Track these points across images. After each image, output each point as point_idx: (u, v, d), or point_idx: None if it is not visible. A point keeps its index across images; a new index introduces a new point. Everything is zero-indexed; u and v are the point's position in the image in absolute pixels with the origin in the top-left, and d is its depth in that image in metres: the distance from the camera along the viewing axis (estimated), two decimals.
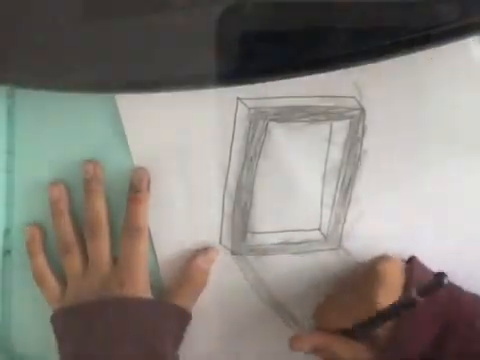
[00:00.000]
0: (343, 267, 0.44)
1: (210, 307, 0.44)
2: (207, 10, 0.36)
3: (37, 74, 0.38)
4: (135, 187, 0.42)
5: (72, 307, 0.41)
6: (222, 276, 0.44)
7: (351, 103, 0.42)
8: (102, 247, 0.42)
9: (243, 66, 0.38)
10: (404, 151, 0.43)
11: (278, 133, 0.43)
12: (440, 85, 0.42)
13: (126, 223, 0.42)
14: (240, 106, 0.42)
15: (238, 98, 0.42)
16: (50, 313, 0.43)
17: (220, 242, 0.44)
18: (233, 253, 0.44)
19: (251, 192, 0.43)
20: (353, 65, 0.39)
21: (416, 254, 0.43)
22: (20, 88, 0.43)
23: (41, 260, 0.43)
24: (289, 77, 0.40)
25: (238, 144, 0.43)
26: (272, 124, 0.43)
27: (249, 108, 0.42)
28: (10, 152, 0.44)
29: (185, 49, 0.37)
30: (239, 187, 0.43)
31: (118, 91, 0.41)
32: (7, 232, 0.45)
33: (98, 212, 0.42)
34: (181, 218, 0.43)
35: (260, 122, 0.43)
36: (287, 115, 0.43)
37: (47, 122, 0.43)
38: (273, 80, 0.40)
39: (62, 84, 0.39)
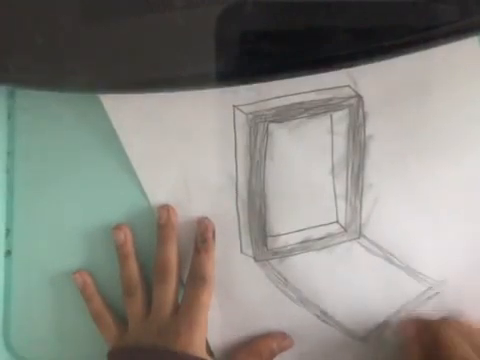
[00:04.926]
0: (368, 256, 0.43)
1: (240, 318, 0.44)
2: (207, 10, 0.36)
3: (37, 74, 0.39)
4: (201, 237, 0.42)
5: (128, 348, 0.41)
6: (249, 285, 0.44)
7: (347, 92, 0.42)
8: (168, 293, 0.41)
9: (243, 66, 0.38)
10: (409, 130, 0.43)
11: (280, 133, 0.43)
12: (436, 64, 0.42)
13: (191, 272, 0.42)
14: (237, 113, 0.43)
15: (234, 106, 0.43)
16: (50, 313, 0.43)
17: (241, 251, 0.44)
18: (256, 260, 0.44)
19: (264, 196, 0.43)
20: (353, 65, 0.39)
21: (435, 232, 0.43)
22: (20, 88, 0.43)
23: (97, 303, 0.43)
24: (289, 77, 0.40)
25: (242, 151, 0.43)
26: (272, 125, 0.43)
27: (246, 114, 0.43)
28: (10, 152, 0.45)
29: (185, 49, 0.37)
30: (251, 193, 0.43)
31: (118, 91, 0.41)
32: (8, 232, 0.45)
33: (169, 258, 0.42)
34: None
35: (260, 126, 0.43)
36: (285, 114, 0.43)
37: (47, 122, 0.44)
38: (273, 80, 0.40)
39: (62, 84, 0.39)
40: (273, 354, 0.43)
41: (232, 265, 0.44)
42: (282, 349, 0.43)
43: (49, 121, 0.44)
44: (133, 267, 0.43)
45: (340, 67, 0.40)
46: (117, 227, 0.43)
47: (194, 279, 0.42)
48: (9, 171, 0.45)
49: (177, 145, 0.43)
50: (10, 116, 0.45)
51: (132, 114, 0.43)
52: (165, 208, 0.43)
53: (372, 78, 0.42)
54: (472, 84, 0.42)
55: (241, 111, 0.43)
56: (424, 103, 0.42)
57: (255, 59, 0.38)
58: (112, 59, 0.38)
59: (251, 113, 0.43)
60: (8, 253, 0.45)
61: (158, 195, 0.43)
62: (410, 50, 0.37)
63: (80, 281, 0.43)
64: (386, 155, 0.43)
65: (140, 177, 0.43)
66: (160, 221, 0.43)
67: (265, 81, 0.41)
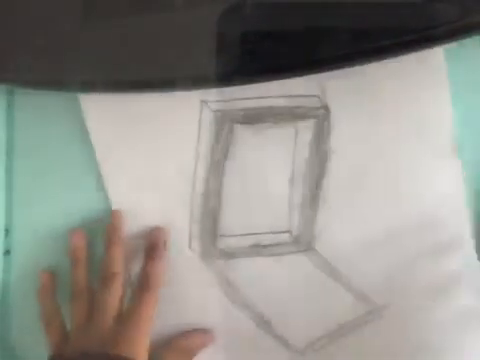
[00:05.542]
0: (314, 269, 0.43)
1: (177, 314, 0.43)
2: (207, 10, 0.36)
3: (37, 74, 0.39)
4: (152, 245, 0.42)
5: (67, 355, 0.39)
6: (192, 281, 0.43)
7: (315, 102, 0.42)
8: (111, 299, 0.40)
9: (242, 66, 0.38)
10: (373, 148, 0.42)
11: (244, 135, 0.43)
12: (408, 85, 0.41)
13: (139, 280, 0.41)
14: (205, 109, 0.42)
15: (202, 101, 0.42)
16: None
17: (189, 247, 0.43)
18: (203, 257, 0.43)
19: (219, 195, 0.43)
20: (353, 65, 0.39)
21: (389, 253, 0.42)
22: (20, 88, 0.43)
23: (49, 306, 0.43)
24: (288, 77, 0.40)
25: (204, 147, 0.43)
26: (237, 126, 0.43)
27: (214, 111, 0.42)
28: (9, 152, 0.45)
29: (185, 49, 0.37)
30: (206, 191, 0.43)
31: (118, 91, 0.41)
32: (7, 232, 0.45)
33: (114, 263, 0.41)
34: (148, 223, 0.43)
35: (225, 125, 0.43)
36: (252, 117, 0.42)
37: (46, 121, 0.44)
38: (272, 80, 0.40)
39: (62, 84, 0.39)
40: (191, 350, 0.42)
41: (178, 260, 0.43)
42: (200, 346, 0.43)
43: (48, 120, 0.44)
44: (83, 272, 0.42)
45: (340, 67, 0.39)
46: (73, 231, 0.43)
47: (141, 287, 0.41)
48: (8, 171, 0.45)
49: (141, 137, 0.43)
50: (9, 116, 0.45)
51: (103, 109, 0.42)
52: (117, 212, 0.43)
53: (343, 92, 0.42)
54: (437, 108, 0.41)
55: (209, 107, 0.42)
56: (390, 122, 0.42)
57: (254, 59, 0.37)
58: (112, 59, 0.38)
59: (219, 111, 0.43)
60: (7, 253, 0.45)
61: (118, 192, 0.43)
62: (410, 50, 0.37)
63: (41, 280, 0.43)
64: (346, 171, 0.42)
65: (103, 173, 0.43)
66: (108, 226, 0.42)
67: (264, 81, 0.40)
